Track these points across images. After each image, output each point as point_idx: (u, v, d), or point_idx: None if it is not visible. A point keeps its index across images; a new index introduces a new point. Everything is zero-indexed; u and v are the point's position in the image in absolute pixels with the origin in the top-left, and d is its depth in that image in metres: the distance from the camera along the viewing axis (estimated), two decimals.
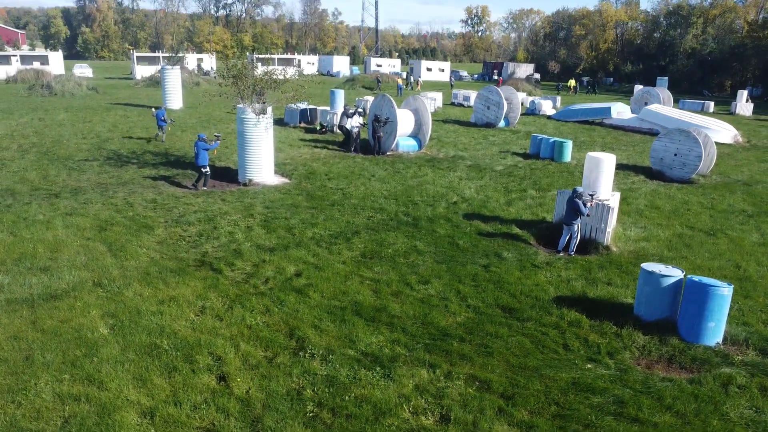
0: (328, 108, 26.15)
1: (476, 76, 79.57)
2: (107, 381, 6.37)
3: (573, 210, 11.00)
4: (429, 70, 72.72)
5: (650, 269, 8.33)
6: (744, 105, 40.86)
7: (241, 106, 15.40)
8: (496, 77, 77.89)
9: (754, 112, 41.12)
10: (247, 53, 69.40)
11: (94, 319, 7.71)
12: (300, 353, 7.13)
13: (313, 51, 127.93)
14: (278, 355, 7.03)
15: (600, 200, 11.67)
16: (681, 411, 6.34)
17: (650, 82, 62.21)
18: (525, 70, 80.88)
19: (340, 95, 25.56)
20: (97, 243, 10.57)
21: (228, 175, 16.51)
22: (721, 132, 26.78)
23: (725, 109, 43.12)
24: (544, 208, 14.34)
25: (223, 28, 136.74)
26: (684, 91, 67.75)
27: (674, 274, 8.22)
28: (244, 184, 15.45)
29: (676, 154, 18.73)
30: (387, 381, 6.66)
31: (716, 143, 25.82)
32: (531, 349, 7.64)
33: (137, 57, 61.54)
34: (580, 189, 11.06)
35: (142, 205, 13.09)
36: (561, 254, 11.25)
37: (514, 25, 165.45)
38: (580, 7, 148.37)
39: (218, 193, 14.60)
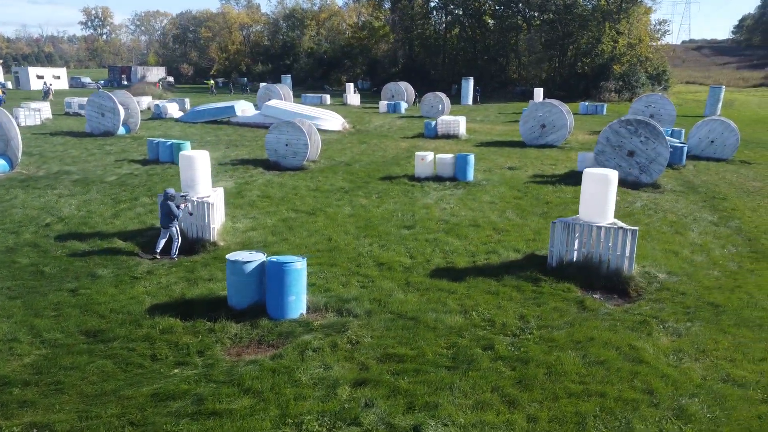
0: None
1: (102, 81, 73.15)
2: None
3: (167, 213, 10.66)
4: (40, 77, 63.74)
5: (233, 258, 8.46)
6: (353, 96, 46.90)
7: None
8: (126, 82, 73.05)
9: (361, 102, 47.53)
10: None
11: None
12: None
13: None
14: None
15: (199, 198, 11.56)
16: (258, 389, 6.50)
17: (280, 80, 66.37)
18: (156, 73, 77.83)
19: None
20: None
21: None
22: (331, 120, 29.98)
23: (340, 101, 48.73)
24: (155, 214, 13.62)
25: None
26: (309, 87, 74.27)
27: (256, 258, 8.51)
28: None
29: (287, 145, 20.05)
30: None
31: (327, 130, 28.80)
32: (113, 371, 6.96)
33: None
34: (171, 191, 10.75)
35: None
36: (158, 257, 10.83)
37: (143, 28, 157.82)
38: (203, 9, 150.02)
39: None
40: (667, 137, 23.82)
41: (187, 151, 11.94)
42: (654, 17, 57.80)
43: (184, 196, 11.18)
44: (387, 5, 74.02)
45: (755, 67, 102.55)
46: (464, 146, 24.98)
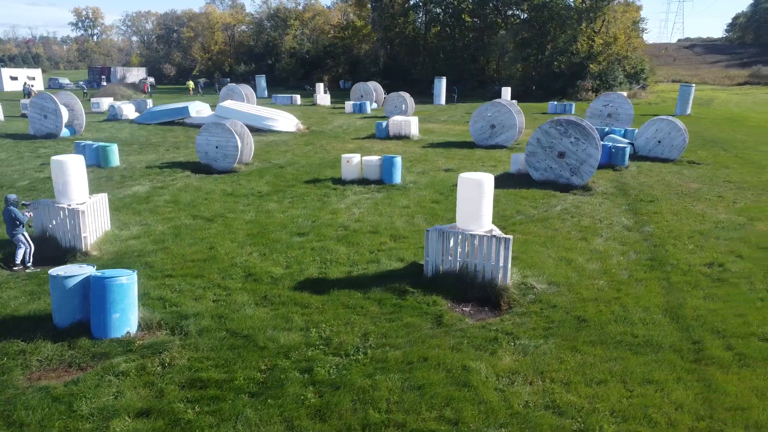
0: None
1: (82, 83, 72.45)
2: None
3: (10, 221, 10.12)
4: (14, 78, 63.13)
5: (55, 273, 7.88)
6: (323, 96, 46.31)
7: None
8: (105, 83, 72.42)
9: (332, 103, 46.93)
10: None
11: None
12: None
13: None
14: None
15: (71, 206, 10.99)
16: (26, 422, 5.93)
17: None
18: (137, 74, 77.27)
19: None
20: None
21: None
22: (284, 121, 29.39)
23: (310, 101, 48.14)
24: None
25: None
26: (291, 86, 73.67)
27: (82, 273, 7.92)
28: None
29: (217, 147, 19.46)
30: None
31: (280, 131, 28.24)
32: None
33: None
34: (12, 197, 10.21)
35: None
36: (18, 269, 10.28)
37: (134, 28, 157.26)
38: (187, 9, 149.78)
39: None
40: (619, 136, 23.28)
41: (60, 156, 11.34)
42: (632, 16, 56.73)
43: (27, 204, 10.67)
44: (371, 4, 73.41)
45: (744, 66, 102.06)
46: (412, 147, 24.40)
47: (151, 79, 76.20)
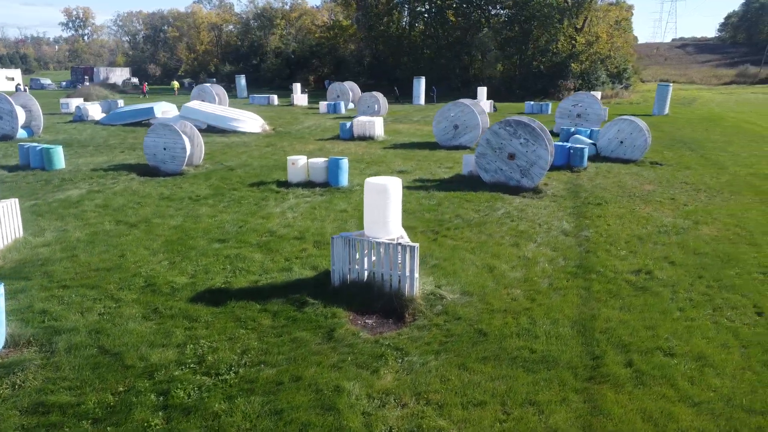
0: None
1: (64, 83, 71.90)
2: None
3: None
4: None
5: None
6: (300, 96, 45.82)
7: None
8: (87, 83, 71.82)
9: (309, 102, 46.46)
10: None
11: None
12: None
13: None
14: None
15: None
16: None
17: (246, 81, 64.92)
18: (120, 74, 76.61)
19: None
20: None
21: None
22: (249, 122, 28.88)
23: (288, 101, 47.60)
24: None
25: None
26: (277, 86, 73.22)
27: None
28: None
29: (165, 149, 18.95)
30: None
31: (245, 132, 27.75)
32: None
33: None
34: None
35: None
36: None
37: (125, 28, 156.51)
38: (172, 8, 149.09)
39: None
40: (587, 138, 22.84)
41: None
42: (617, 15, 56.32)
43: None
44: (357, 3, 72.84)
45: (734, 65, 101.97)
46: (373, 148, 23.92)
47: (135, 80, 75.63)
